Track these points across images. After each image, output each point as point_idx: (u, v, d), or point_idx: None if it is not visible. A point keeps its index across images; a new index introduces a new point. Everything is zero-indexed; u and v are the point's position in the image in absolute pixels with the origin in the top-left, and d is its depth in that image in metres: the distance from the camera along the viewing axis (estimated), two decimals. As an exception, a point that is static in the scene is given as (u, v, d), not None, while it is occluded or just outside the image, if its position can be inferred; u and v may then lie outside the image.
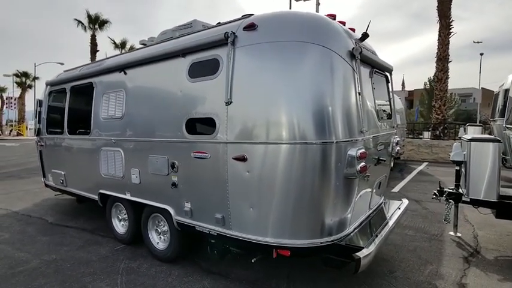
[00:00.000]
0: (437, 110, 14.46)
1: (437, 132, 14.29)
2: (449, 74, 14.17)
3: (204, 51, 3.23)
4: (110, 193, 4.44)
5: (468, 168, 4.18)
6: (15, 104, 39.01)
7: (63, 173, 5.42)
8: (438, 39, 14.14)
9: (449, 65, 14.16)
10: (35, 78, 35.76)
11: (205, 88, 3.20)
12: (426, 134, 14.96)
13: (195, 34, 3.55)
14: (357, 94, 2.93)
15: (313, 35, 2.82)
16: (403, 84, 56.74)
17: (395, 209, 3.94)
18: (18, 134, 35.05)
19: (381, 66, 3.73)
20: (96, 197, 4.67)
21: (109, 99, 4.35)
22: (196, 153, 3.22)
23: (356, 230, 3.14)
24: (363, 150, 2.84)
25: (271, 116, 2.77)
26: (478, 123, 16.22)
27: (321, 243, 2.80)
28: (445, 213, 4.52)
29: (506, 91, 7.47)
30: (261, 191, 2.84)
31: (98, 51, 28.80)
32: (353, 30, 3.31)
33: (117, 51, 30.02)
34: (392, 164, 7.84)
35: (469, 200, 4.23)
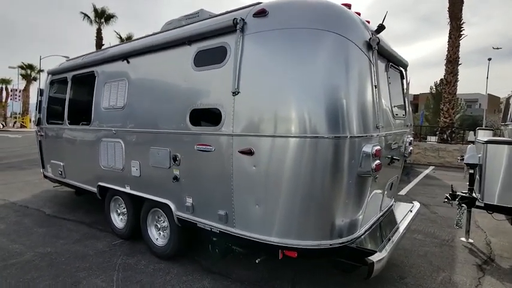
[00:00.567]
0: (445, 113, 14.19)
1: (445, 136, 14.03)
2: (458, 77, 13.94)
3: (211, 39, 3.05)
4: (109, 186, 4.29)
5: (484, 171, 4.00)
6: (19, 96, 39.12)
7: (62, 164, 5.28)
8: (448, 41, 13.89)
9: (457, 69, 13.89)
10: (40, 70, 35.75)
11: (211, 77, 3.03)
12: (430, 139, 14.69)
13: (202, 22, 3.38)
14: (373, 87, 2.75)
15: (328, 22, 2.64)
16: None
17: (407, 212, 3.76)
18: (22, 126, 35.17)
19: (397, 60, 3.55)
20: (95, 190, 4.52)
21: (111, 89, 4.20)
22: (200, 146, 3.05)
23: (367, 233, 2.96)
24: (379, 147, 2.65)
25: (281, 108, 2.58)
26: (488, 128, 15.94)
27: (331, 245, 2.62)
28: (456, 218, 4.33)
29: None
30: (268, 187, 2.66)
31: (103, 45, 28.76)
32: (368, 22, 3.13)
33: (123, 46, 29.87)
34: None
35: (483, 205, 4.06)
